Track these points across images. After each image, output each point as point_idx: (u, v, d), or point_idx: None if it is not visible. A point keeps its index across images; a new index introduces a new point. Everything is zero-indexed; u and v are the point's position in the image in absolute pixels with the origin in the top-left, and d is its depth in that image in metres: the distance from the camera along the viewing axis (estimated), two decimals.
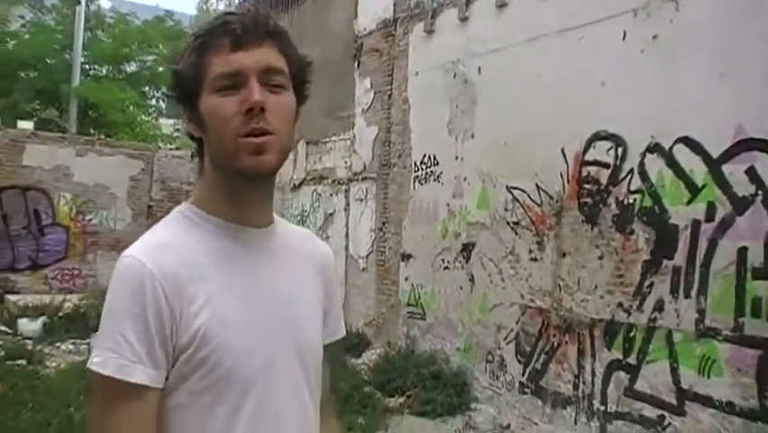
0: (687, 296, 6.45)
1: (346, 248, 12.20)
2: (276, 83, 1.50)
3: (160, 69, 22.99)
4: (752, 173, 6.00)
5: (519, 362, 8.29)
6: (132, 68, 23.10)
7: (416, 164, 10.39)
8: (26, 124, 16.70)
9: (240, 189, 1.54)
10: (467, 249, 9.20)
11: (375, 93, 11.53)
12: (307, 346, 1.61)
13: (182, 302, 1.41)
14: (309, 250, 1.74)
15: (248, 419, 1.46)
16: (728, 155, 6.19)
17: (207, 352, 1.42)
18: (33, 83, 20.94)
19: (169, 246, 1.48)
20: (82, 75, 20.48)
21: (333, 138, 12.75)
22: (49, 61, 21.37)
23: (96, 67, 22.68)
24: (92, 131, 20.37)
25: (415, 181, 10.41)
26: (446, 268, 9.62)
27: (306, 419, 1.58)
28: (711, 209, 6.30)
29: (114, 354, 1.37)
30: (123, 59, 22.43)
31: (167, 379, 1.43)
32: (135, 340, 1.37)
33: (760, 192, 5.94)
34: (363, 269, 11.70)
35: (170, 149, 18.51)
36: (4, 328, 12.18)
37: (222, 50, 1.47)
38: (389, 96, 11.14)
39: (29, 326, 11.93)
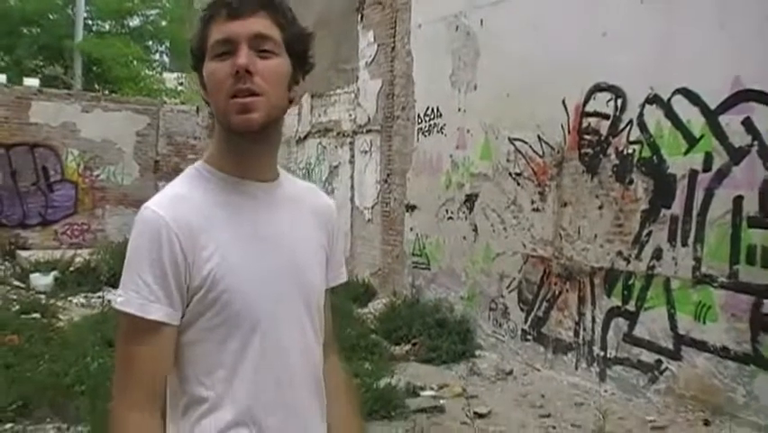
0: (684, 244, 6.61)
1: (351, 200, 12.36)
2: (265, 48, 1.63)
3: (164, 23, 23.00)
4: (748, 124, 6.14)
5: (521, 310, 8.49)
6: (135, 22, 23.07)
7: (419, 116, 10.49)
8: (32, 82, 16.78)
9: (240, 146, 1.68)
10: (470, 200, 9.35)
11: (378, 46, 11.59)
12: (310, 288, 1.76)
13: (194, 249, 1.58)
14: (312, 202, 1.89)
15: (255, 353, 1.63)
16: (725, 106, 6.32)
17: (217, 293, 1.59)
18: (36, 39, 20.96)
19: (184, 199, 1.64)
20: (85, 30, 20.48)
21: (338, 91, 12.82)
22: (51, 17, 21.36)
23: (99, 22, 22.66)
24: (96, 86, 20.43)
25: (418, 133, 10.52)
26: (450, 218, 9.78)
27: (309, 354, 1.76)
28: (708, 159, 6.44)
29: (136, 295, 1.55)
30: (126, 13, 22.39)
31: (183, 317, 1.61)
32: (153, 282, 1.55)
33: (756, 143, 6.07)
34: (369, 220, 11.87)
35: (175, 103, 18.57)
36: (16, 283, 12.42)
37: (219, 20, 1.63)
38: (393, 48, 11.19)
39: (41, 280, 12.14)
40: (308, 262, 1.77)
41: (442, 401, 6.90)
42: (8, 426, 5.66)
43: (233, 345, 1.62)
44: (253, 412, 1.62)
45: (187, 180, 1.70)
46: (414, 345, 8.81)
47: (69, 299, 11.21)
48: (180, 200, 1.63)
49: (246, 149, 1.69)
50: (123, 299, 1.56)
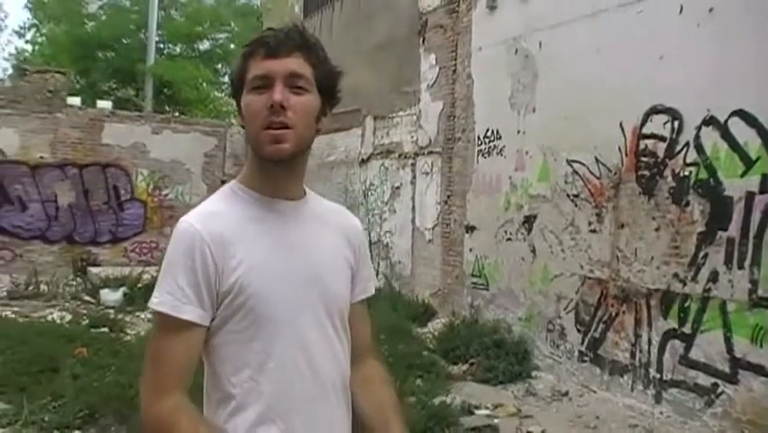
0: (740, 267, 6.58)
1: (413, 221, 12.50)
2: (298, 85, 1.81)
3: (232, 46, 23.54)
4: None
5: (578, 331, 8.50)
6: (204, 45, 23.71)
7: (479, 138, 10.60)
8: (105, 104, 17.35)
9: (270, 170, 1.87)
10: (529, 221, 9.41)
11: (440, 68, 11.74)
12: (331, 296, 1.91)
13: (224, 258, 1.75)
14: (338, 220, 2.05)
15: (280, 352, 1.79)
16: None
17: (244, 298, 1.76)
18: (110, 63, 21.67)
19: (218, 214, 1.83)
20: (157, 54, 21.13)
21: (400, 113, 13.00)
22: (125, 41, 22.08)
23: (171, 45, 23.33)
24: (167, 108, 21.05)
25: (478, 155, 10.62)
26: (509, 239, 9.84)
27: (332, 355, 1.90)
28: (765, 181, 6.42)
29: (171, 297, 1.73)
30: (197, 37, 23.03)
31: (213, 320, 1.78)
32: (186, 286, 1.73)
33: None
34: (429, 240, 11.98)
35: (242, 125, 18.96)
36: (87, 298, 12.86)
37: (258, 57, 1.82)
38: (454, 71, 11.34)
39: (110, 296, 12.54)
40: (330, 273, 1.92)
41: (496, 420, 6.96)
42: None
43: (258, 346, 1.78)
44: (279, 409, 1.77)
45: (222, 198, 1.89)
46: (471, 364, 8.88)
47: (137, 314, 11.56)
48: (214, 215, 1.82)
49: (274, 172, 1.87)
50: (158, 300, 1.75)
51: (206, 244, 1.75)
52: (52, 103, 15.12)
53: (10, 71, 19.49)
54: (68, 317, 10.58)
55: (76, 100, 16.35)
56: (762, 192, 6.44)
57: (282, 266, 1.82)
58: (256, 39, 1.85)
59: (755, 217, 6.49)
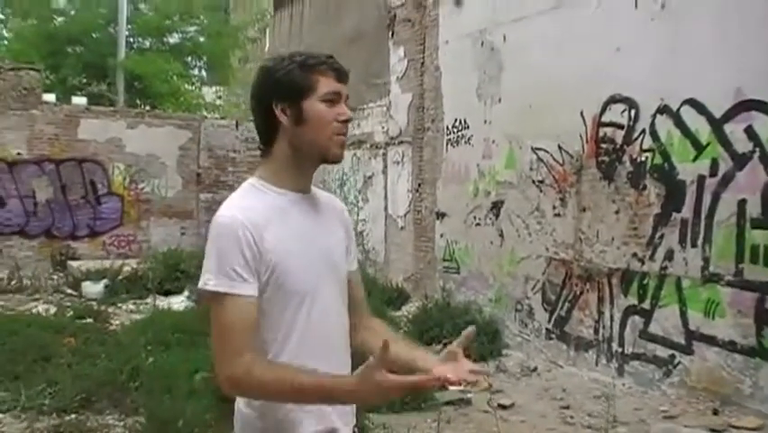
0: (693, 245, 7.07)
1: (385, 209, 12.93)
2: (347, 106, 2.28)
3: (201, 39, 23.67)
4: (750, 132, 6.60)
5: (545, 310, 8.97)
6: (174, 39, 23.73)
7: (448, 128, 11.03)
8: (80, 100, 17.49)
9: (306, 168, 2.29)
10: (496, 207, 9.86)
11: (408, 61, 12.14)
12: (339, 270, 2.33)
13: (261, 242, 2.12)
14: (333, 206, 2.46)
15: (305, 317, 2.19)
16: (729, 115, 6.79)
17: (276, 275, 2.14)
18: (81, 58, 21.65)
19: (249, 207, 2.19)
20: (127, 48, 21.15)
21: (371, 104, 13.39)
22: (94, 36, 22.05)
23: (140, 39, 23.32)
24: (138, 102, 21.12)
25: (447, 144, 11.05)
26: (478, 225, 10.28)
27: (341, 317, 2.32)
28: (714, 165, 6.90)
29: (226, 278, 2.08)
30: (166, 30, 23.02)
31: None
32: (237, 266, 2.09)
33: (757, 149, 6.52)
34: (402, 228, 12.40)
35: (216, 118, 19.16)
36: (69, 291, 13.13)
37: (330, 78, 2.22)
38: (422, 63, 11.74)
39: (92, 288, 12.79)
40: (336, 251, 2.34)
41: (469, 395, 7.37)
42: (73, 416, 6.29)
43: (288, 314, 2.18)
44: (303, 359, 2.15)
45: (247, 193, 2.26)
46: (444, 345, 9.24)
47: (119, 305, 11.85)
48: (247, 208, 2.18)
49: (308, 170, 2.30)
50: (214, 282, 2.09)
51: (248, 230, 2.11)
52: (27, 100, 15.26)
53: None
54: (53, 309, 10.84)
55: (51, 97, 16.50)
56: (712, 175, 6.92)
57: (304, 248, 2.21)
58: (322, 60, 2.24)
59: (706, 199, 6.97)
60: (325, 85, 2.20)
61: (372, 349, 2.25)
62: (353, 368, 2.19)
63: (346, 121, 2.21)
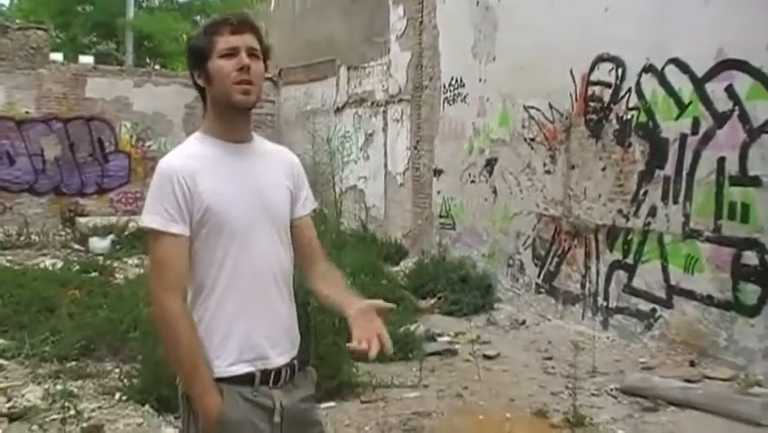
0: (675, 202, 7.25)
1: (385, 166, 13.13)
2: (254, 54, 2.47)
3: None
4: (730, 91, 6.72)
5: (535, 265, 9.20)
6: None
7: (444, 86, 11.18)
8: (87, 59, 17.69)
9: (231, 117, 2.50)
10: (490, 164, 10.05)
11: (408, 20, 12.25)
12: (275, 212, 2.54)
13: (195, 185, 2.38)
14: (279, 156, 2.69)
15: (234, 254, 2.43)
16: (710, 75, 6.91)
17: (209, 215, 2.39)
18: (90, 17, 21.83)
19: (189, 155, 2.47)
20: (136, 7, 21.32)
21: (371, 63, 13.53)
22: None
23: None
24: (148, 61, 21.31)
25: (444, 102, 11.21)
26: (473, 182, 10.48)
27: (277, 256, 2.53)
28: (696, 124, 7.05)
29: (159, 217, 2.36)
30: None
31: (191, 232, 2.41)
32: (170, 208, 2.36)
33: (737, 108, 6.66)
34: (401, 184, 12.61)
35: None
36: (77, 247, 13.47)
37: (225, 34, 2.45)
38: (420, 22, 11.85)
39: (99, 243, 13.15)
40: (272, 194, 2.55)
41: (456, 346, 7.65)
42: (73, 363, 6.60)
43: (219, 250, 2.43)
44: (234, 293, 2.43)
45: (191, 142, 2.54)
46: (438, 298, 9.56)
47: (124, 260, 12.18)
48: (186, 155, 2.46)
49: (235, 119, 2.51)
50: (149, 219, 2.38)
51: (182, 176, 2.37)
52: (35, 59, 15.50)
53: None
54: (60, 264, 11.13)
55: (58, 56, 16.71)
56: (693, 133, 7.07)
57: (236, 191, 2.45)
58: (219, 20, 2.49)
59: (688, 156, 7.13)
60: (221, 42, 2.43)
61: (322, 297, 2.62)
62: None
63: (242, 68, 2.40)
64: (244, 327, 2.44)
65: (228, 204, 2.42)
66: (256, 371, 2.45)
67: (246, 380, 2.43)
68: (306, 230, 2.71)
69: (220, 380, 2.40)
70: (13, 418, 5.43)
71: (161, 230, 2.36)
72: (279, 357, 2.51)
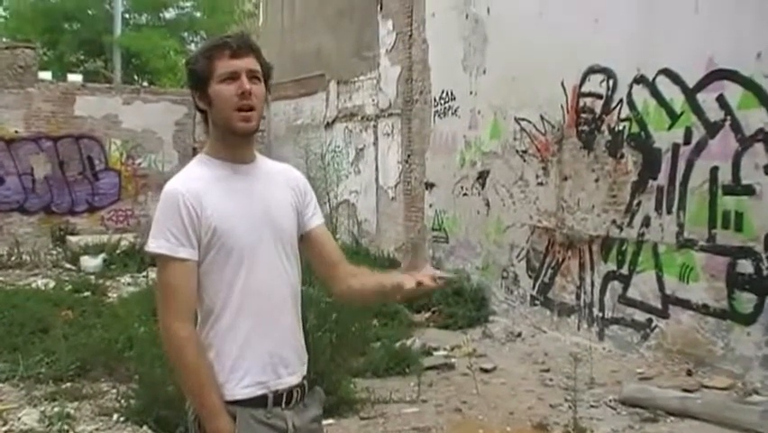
0: (669, 212, 7.28)
1: (376, 180, 13.13)
2: (255, 77, 2.45)
3: (198, 14, 23.77)
4: (721, 100, 6.77)
5: (530, 277, 9.20)
6: (170, 14, 23.82)
7: (435, 99, 11.20)
8: (75, 77, 17.67)
9: (234, 141, 2.48)
10: (482, 176, 10.06)
11: (397, 34, 12.28)
12: (281, 231, 2.52)
13: (202, 208, 2.37)
14: (283, 174, 2.66)
15: (245, 274, 2.42)
16: (701, 85, 6.96)
17: (216, 238, 2.38)
18: (77, 34, 21.77)
19: (194, 177, 2.45)
20: (123, 24, 21.26)
21: (361, 77, 13.55)
22: (90, 12, 22.17)
23: (136, 15, 23.43)
24: (136, 78, 21.27)
25: (435, 116, 11.23)
26: (465, 194, 10.49)
27: (285, 275, 2.52)
28: (688, 134, 7.10)
29: (166, 242, 2.35)
30: (162, 6, 23.13)
31: (199, 255, 2.40)
32: (177, 233, 2.35)
33: (728, 118, 6.71)
34: (393, 198, 12.61)
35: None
36: (68, 266, 13.39)
37: (224, 58, 2.42)
38: (410, 36, 11.88)
39: (90, 262, 13.07)
40: (279, 213, 2.53)
41: (453, 360, 7.63)
42: (69, 384, 6.54)
43: (228, 271, 2.41)
44: (245, 315, 2.42)
45: (196, 165, 2.52)
46: (433, 312, 9.55)
47: (117, 278, 12.12)
48: (191, 178, 2.44)
49: (235, 143, 2.49)
50: (156, 244, 2.36)
51: (188, 199, 2.36)
52: (24, 78, 15.47)
53: None
54: (52, 283, 11.06)
55: (47, 75, 16.69)
56: (686, 143, 7.12)
57: (242, 211, 2.44)
58: (219, 43, 2.45)
59: (681, 166, 7.16)
60: (221, 66, 2.40)
61: (358, 291, 2.62)
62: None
63: (243, 93, 2.38)
64: (255, 350, 2.43)
65: (235, 224, 2.41)
66: (269, 392, 2.44)
67: (259, 402, 2.42)
68: (322, 237, 2.70)
69: (233, 403, 2.39)
70: None
71: (169, 255, 2.35)
72: (291, 377, 2.50)
